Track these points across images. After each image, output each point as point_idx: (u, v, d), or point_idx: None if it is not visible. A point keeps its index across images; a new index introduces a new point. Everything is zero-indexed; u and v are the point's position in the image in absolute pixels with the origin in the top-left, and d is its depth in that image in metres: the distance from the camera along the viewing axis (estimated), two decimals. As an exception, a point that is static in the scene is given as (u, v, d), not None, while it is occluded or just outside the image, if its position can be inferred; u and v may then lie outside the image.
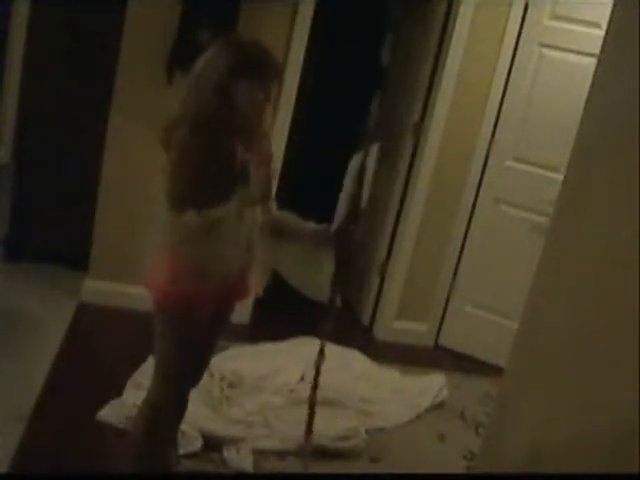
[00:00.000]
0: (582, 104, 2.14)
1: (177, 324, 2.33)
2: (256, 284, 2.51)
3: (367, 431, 3.34)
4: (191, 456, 2.94)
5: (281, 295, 4.35)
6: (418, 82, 4.38)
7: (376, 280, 4.58)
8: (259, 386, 3.45)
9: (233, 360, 3.62)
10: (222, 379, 3.39)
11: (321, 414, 3.37)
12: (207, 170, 2.17)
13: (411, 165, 4.37)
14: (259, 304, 4.07)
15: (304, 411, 3.36)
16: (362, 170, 2.38)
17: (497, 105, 4.23)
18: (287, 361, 3.73)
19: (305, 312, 4.54)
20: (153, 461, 2.47)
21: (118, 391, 3.23)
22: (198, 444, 2.99)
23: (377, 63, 4.17)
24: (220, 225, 2.19)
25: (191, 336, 2.36)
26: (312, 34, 3.96)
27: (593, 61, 2.22)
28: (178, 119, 2.24)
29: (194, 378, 2.54)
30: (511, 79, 4.20)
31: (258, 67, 2.21)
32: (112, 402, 3.15)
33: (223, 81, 2.19)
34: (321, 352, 2.56)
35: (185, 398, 2.54)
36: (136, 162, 3.87)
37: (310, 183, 5.22)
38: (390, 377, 3.93)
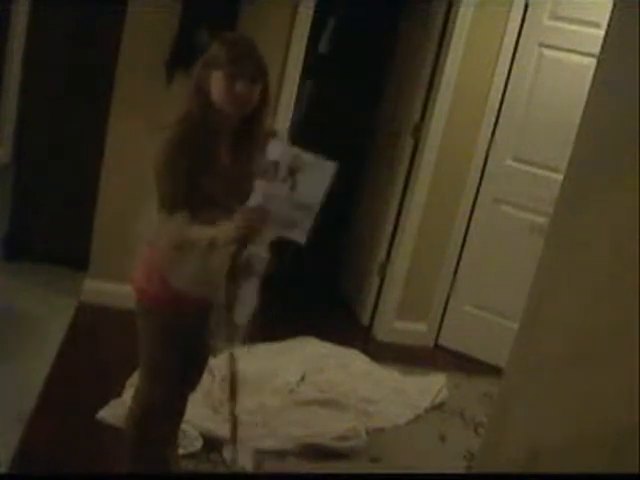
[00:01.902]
0: (582, 104, 2.14)
1: (157, 322, 2.31)
2: None
3: (367, 431, 3.34)
4: (191, 456, 2.94)
5: (281, 295, 4.36)
6: (418, 82, 4.39)
7: (376, 280, 4.58)
8: (259, 386, 3.45)
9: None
10: (222, 379, 3.39)
11: (321, 414, 3.39)
12: (187, 170, 2.12)
13: (411, 165, 4.37)
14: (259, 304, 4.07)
15: (304, 411, 3.38)
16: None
17: (497, 105, 4.23)
18: (287, 361, 3.73)
19: (305, 312, 4.57)
20: (148, 460, 2.46)
21: (118, 391, 3.23)
22: (198, 444, 2.99)
23: (314, 50, 4.01)
24: (195, 246, 2.14)
25: (173, 335, 2.32)
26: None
27: (593, 61, 2.23)
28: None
29: (190, 380, 2.52)
30: (511, 79, 4.20)
31: (232, 60, 2.14)
32: (112, 402, 3.15)
33: (201, 75, 2.17)
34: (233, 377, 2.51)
35: (179, 399, 2.51)
36: (136, 162, 3.85)
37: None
38: (390, 377, 3.93)
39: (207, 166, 2.17)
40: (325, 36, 4.99)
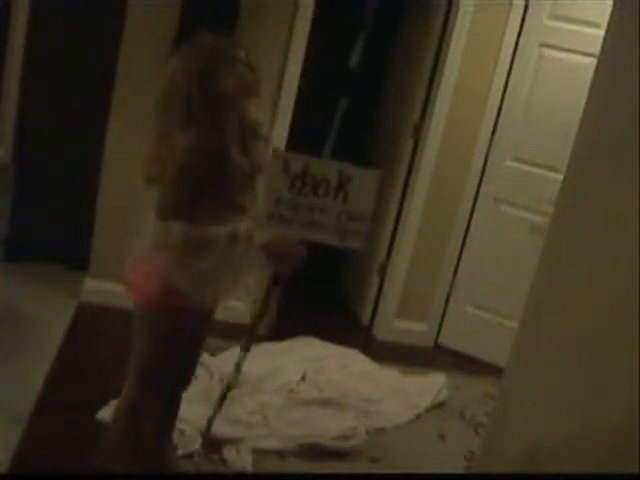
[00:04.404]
0: (582, 104, 2.14)
1: (155, 325, 2.31)
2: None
3: (367, 431, 3.34)
4: (191, 456, 2.94)
5: (281, 295, 4.35)
6: (418, 82, 4.38)
7: (376, 280, 4.58)
8: (259, 386, 3.45)
9: (233, 360, 3.61)
10: (220, 379, 3.39)
11: (321, 414, 3.39)
12: (199, 173, 2.14)
13: (411, 165, 4.37)
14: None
15: (304, 411, 3.38)
16: None
17: (497, 105, 4.23)
18: (287, 361, 3.73)
19: (305, 312, 4.57)
20: (136, 457, 2.45)
21: (118, 391, 3.22)
22: (198, 444, 2.99)
23: (346, 66, 4.10)
24: (210, 246, 2.13)
25: (170, 337, 2.32)
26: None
27: (593, 61, 2.22)
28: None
29: (182, 380, 2.52)
30: (511, 79, 4.20)
31: (219, 61, 2.19)
32: (112, 402, 3.14)
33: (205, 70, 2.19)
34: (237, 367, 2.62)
35: (171, 399, 2.51)
36: (136, 162, 3.85)
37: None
38: (390, 377, 3.93)
39: (221, 165, 2.19)
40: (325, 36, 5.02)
